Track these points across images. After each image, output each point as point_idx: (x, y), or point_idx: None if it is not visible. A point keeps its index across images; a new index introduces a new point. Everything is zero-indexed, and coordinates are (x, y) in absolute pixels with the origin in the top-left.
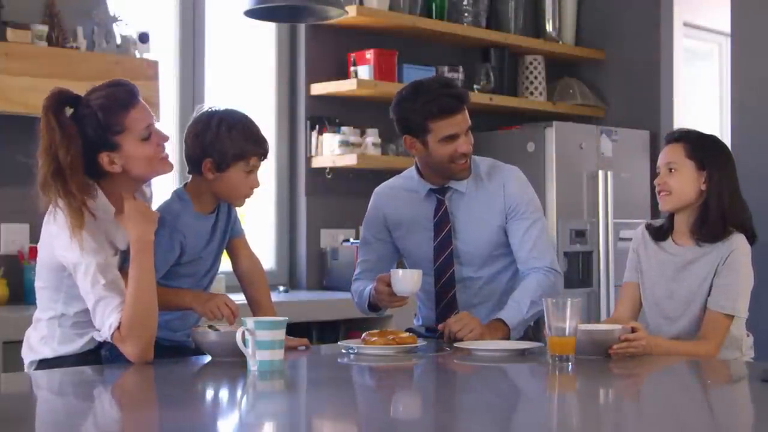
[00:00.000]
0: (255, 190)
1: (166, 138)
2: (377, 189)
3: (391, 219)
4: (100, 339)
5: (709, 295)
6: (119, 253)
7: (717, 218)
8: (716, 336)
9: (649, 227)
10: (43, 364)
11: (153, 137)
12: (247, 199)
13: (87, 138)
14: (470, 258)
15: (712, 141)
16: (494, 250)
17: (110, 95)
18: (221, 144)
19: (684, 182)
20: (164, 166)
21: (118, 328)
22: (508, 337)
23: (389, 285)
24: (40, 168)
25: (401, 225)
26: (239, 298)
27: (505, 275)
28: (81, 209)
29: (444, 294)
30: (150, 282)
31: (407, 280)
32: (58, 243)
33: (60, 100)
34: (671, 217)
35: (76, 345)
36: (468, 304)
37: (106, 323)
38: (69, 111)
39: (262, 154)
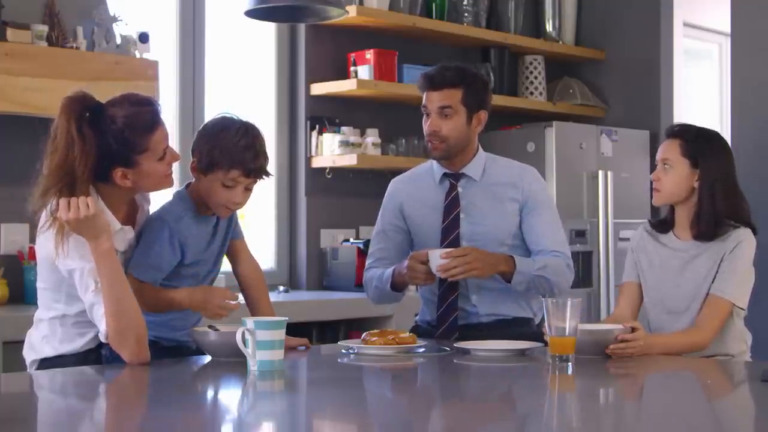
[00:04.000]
0: (245, 206)
1: (177, 157)
2: (394, 179)
3: (407, 204)
4: (103, 340)
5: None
6: (119, 254)
7: (709, 217)
8: (712, 321)
9: (650, 223)
10: (45, 363)
11: (167, 156)
12: (225, 211)
13: (105, 150)
14: (485, 240)
15: (710, 138)
16: (507, 237)
17: (138, 115)
18: (205, 145)
19: (675, 181)
20: (168, 182)
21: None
22: (509, 278)
23: (423, 263)
24: (47, 176)
25: (415, 208)
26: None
27: None
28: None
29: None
30: (121, 286)
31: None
32: (58, 256)
33: (84, 105)
34: (672, 210)
35: (77, 344)
36: (477, 286)
37: (100, 329)
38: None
39: (246, 171)
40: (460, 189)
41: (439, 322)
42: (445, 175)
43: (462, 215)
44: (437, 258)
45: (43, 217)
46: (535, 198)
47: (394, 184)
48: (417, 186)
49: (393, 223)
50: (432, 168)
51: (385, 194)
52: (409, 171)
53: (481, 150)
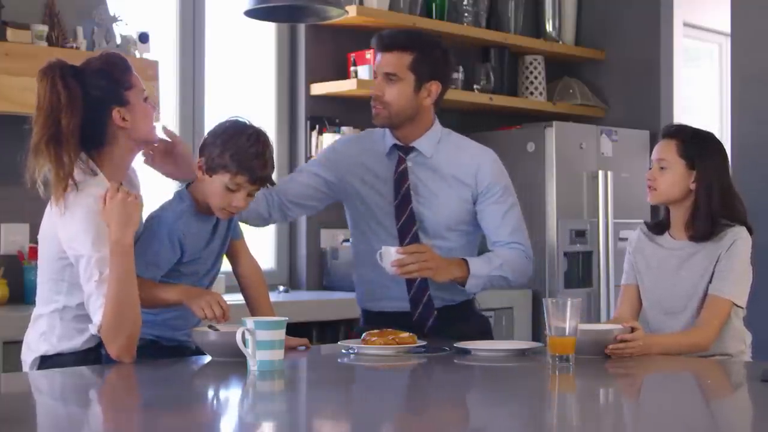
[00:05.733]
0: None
1: (155, 106)
2: (342, 139)
3: (355, 174)
4: (93, 332)
5: (709, 283)
6: None
7: (705, 218)
8: (713, 321)
9: (647, 224)
10: (44, 362)
11: (148, 99)
12: (225, 213)
13: (96, 98)
14: (432, 224)
15: (706, 139)
16: (454, 222)
17: (112, 56)
18: (214, 148)
19: (672, 181)
20: (155, 134)
21: (101, 325)
22: (463, 283)
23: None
24: (35, 134)
25: (364, 178)
26: (238, 298)
27: (458, 254)
28: (67, 179)
29: None
30: (130, 285)
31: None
32: (64, 234)
33: (61, 66)
34: (668, 212)
35: (76, 342)
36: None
37: (94, 319)
38: None
39: (253, 178)
40: (409, 163)
41: (413, 306)
42: (395, 146)
43: (411, 193)
44: (393, 254)
45: (50, 207)
46: (492, 186)
47: (341, 139)
48: (364, 148)
49: (317, 169)
50: (382, 132)
51: (331, 148)
52: (357, 135)
53: (437, 125)
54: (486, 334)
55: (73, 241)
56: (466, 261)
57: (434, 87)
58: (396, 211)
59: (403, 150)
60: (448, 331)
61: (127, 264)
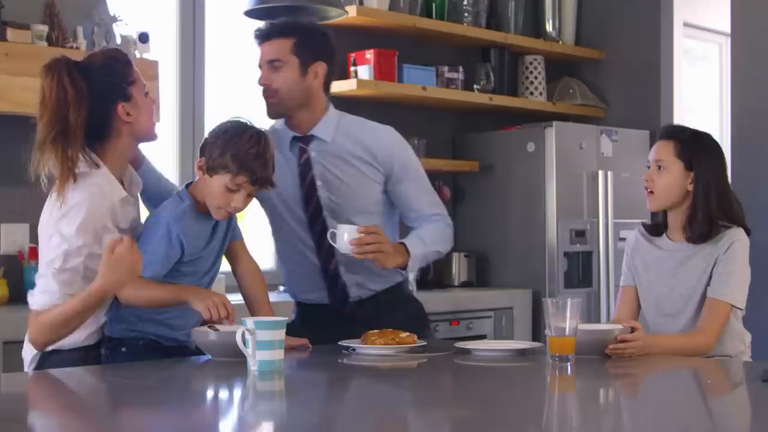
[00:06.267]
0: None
1: (154, 101)
2: None
3: None
4: (29, 303)
5: (708, 286)
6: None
7: (704, 219)
8: (714, 325)
9: (644, 226)
10: (44, 358)
11: (149, 95)
12: (222, 213)
13: (101, 94)
14: (348, 212)
15: (703, 140)
16: (368, 205)
17: (112, 51)
18: (214, 148)
19: (669, 182)
20: (154, 132)
21: (35, 310)
22: (404, 267)
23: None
24: (41, 130)
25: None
26: (238, 298)
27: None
28: (71, 174)
29: (321, 243)
30: (82, 319)
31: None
32: (58, 214)
33: (65, 62)
34: (665, 213)
35: (77, 337)
36: (344, 258)
37: (33, 298)
38: None
39: (253, 179)
40: (312, 153)
41: (331, 291)
42: (294, 139)
43: (318, 183)
44: (353, 232)
45: (49, 201)
46: (401, 165)
47: None
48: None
49: None
50: (281, 127)
51: None
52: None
53: (332, 110)
54: (423, 320)
55: (61, 219)
56: (404, 245)
57: (320, 68)
58: (303, 203)
59: (303, 140)
60: (383, 319)
61: (93, 307)
